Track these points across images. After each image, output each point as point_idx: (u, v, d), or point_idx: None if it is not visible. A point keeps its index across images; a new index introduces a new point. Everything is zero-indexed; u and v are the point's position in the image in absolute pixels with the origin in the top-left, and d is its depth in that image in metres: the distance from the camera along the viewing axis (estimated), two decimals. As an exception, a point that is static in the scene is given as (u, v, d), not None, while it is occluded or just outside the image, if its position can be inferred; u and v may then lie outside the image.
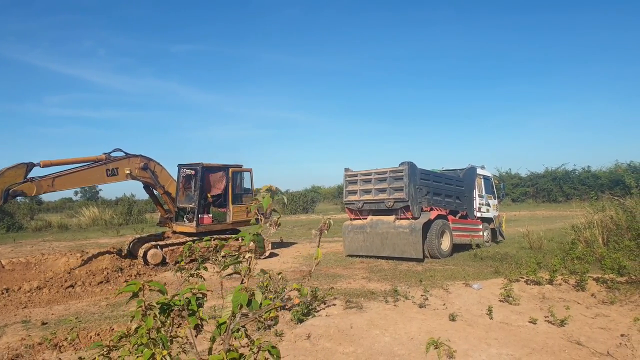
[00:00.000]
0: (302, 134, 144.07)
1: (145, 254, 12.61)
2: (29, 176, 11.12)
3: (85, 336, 6.31)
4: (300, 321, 6.76)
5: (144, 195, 16.20)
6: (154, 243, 13.03)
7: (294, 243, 17.69)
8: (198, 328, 1.78)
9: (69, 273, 11.42)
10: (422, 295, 7.97)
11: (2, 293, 9.68)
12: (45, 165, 11.51)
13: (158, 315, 1.70)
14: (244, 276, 1.81)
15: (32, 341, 6.21)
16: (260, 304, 1.61)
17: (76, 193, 64.96)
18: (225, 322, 1.68)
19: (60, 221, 31.97)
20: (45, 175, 11.41)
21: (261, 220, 1.88)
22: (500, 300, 7.89)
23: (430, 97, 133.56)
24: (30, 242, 21.83)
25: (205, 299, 1.84)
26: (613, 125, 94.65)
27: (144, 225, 27.85)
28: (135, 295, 1.72)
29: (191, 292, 1.75)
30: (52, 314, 8.15)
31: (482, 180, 15.92)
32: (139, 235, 15.19)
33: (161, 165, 13.85)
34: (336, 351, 5.67)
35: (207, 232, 13.76)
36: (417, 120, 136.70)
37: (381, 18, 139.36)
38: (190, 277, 2.36)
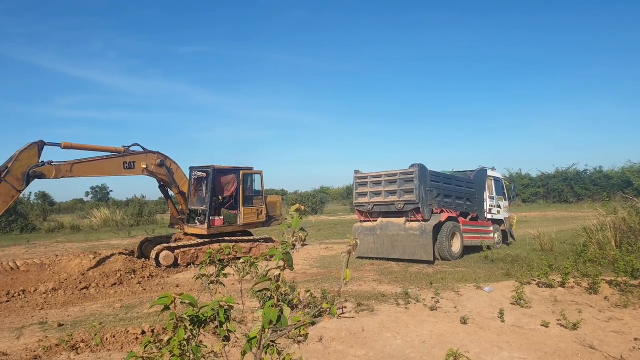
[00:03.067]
0: (308, 134, 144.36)
1: (157, 255, 12.75)
2: (47, 159, 11.21)
3: (101, 338, 6.40)
4: (312, 323, 6.81)
5: (154, 197, 16.40)
6: (165, 245, 13.17)
7: (303, 244, 17.77)
8: (226, 339, 1.84)
9: (83, 274, 11.58)
10: (432, 298, 7.98)
11: (19, 294, 9.86)
12: (66, 147, 11.66)
13: (188, 327, 1.76)
14: (273, 292, 1.86)
15: (49, 342, 6.32)
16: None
17: (87, 194, 65.68)
18: (255, 337, 1.74)
19: (72, 222, 32.36)
20: (65, 161, 11.54)
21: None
22: (511, 303, 7.88)
23: (438, 98, 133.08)
24: (44, 243, 22.13)
25: (231, 310, 1.89)
26: (624, 124, 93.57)
27: (154, 226, 28.12)
28: (166, 307, 1.78)
29: (219, 304, 1.80)
30: (68, 315, 8.28)
31: (493, 181, 15.86)
32: (150, 237, 15.36)
33: (177, 164, 14.02)
34: (348, 354, 5.71)
35: (218, 234, 13.88)
36: (425, 122, 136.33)
37: (387, 19, 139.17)
38: (210, 284, 2.41)
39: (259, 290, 1.89)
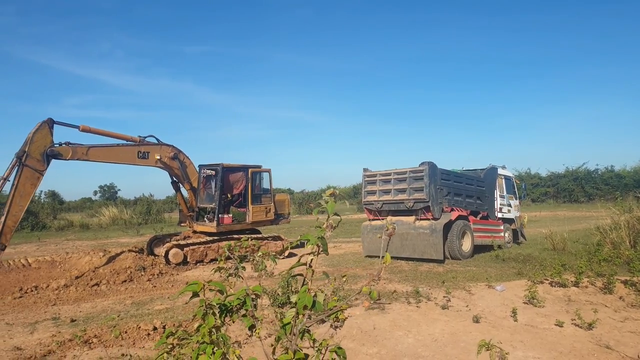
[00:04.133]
0: (314, 133, 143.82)
1: (167, 253, 12.79)
2: (66, 141, 11.31)
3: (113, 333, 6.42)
4: (322, 321, 6.78)
5: (162, 196, 16.44)
6: (175, 242, 13.21)
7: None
8: (253, 328, 1.81)
9: (94, 272, 11.66)
10: (444, 297, 7.92)
11: (31, 290, 9.94)
12: (84, 131, 11.76)
13: (217, 315, 1.74)
14: (307, 278, 1.83)
15: (63, 337, 6.36)
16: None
17: (95, 193, 66.03)
18: (289, 323, 1.71)
19: (81, 221, 32.63)
20: (82, 144, 11.63)
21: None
22: (524, 303, 7.80)
23: (445, 97, 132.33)
24: (54, 240, 22.32)
25: (258, 299, 1.87)
26: (636, 123, 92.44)
27: (162, 224, 28.23)
28: (195, 295, 1.76)
29: (246, 292, 1.78)
30: (80, 311, 8.32)
31: (504, 180, 15.73)
32: (159, 235, 15.41)
33: (189, 159, 14.11)
34: (360, 352, 5.68)
35: (227, 231, 13.89)
36: (432, 121, 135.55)
37: (392, 19, 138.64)
38: (229, 277, 2.39)
39: (293, 276, 1.87)
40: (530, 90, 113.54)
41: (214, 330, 1.69)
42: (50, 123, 11.03)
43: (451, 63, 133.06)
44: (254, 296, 1.81)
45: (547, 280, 8.90)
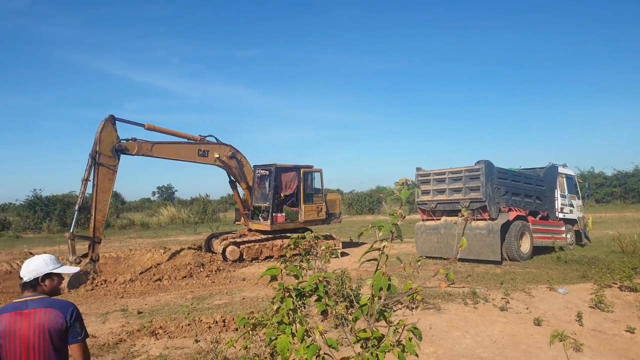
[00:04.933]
0: (363, 134, 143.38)
1: (224, 250, 13.24)
2: (132, 137, 11.94)
3: (177, 325, 6.76)
4: (376, 320, 6.78)
5: (217, 196, 16.94)
6: (232, 240, 13.64)
7: (363, 243, 17.68)
8: (325, 313, 1.89)
9: (156, 267, 12.27)
10: (502, 298, 7.70)
11: (101, 284, 10.62)
12: (149, 129, 12.41)
13: (294, 298, 1.83)
14: (382, 262, 1.90)
15: (131, 328, 6.77)
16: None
17: (154, 193, 69.17)
18: (365, 304, 1.78)
19: (142, 220, 34.31)
20: (148, 140, 12.25)
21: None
22: (590, 307, 7.44)
23: (499, 95, 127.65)
24: (118, 238, 23.64)
25: (330, 285, 1.95)
26: None
27: (218, 223, 29.15)
28: (274, 278, 1.86)
29: (318, 279, 1.86)
30: (145, 304, 8.81)
31: (565, 179, 15.02)
32: (217, 233, 15.97)
33: (246, 159, 14.55)
34: (417, 351, 5.64)
35: (281, 230, 14.19)
36: (485, 119, 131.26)
37: (439, 18, 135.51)
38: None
39: (368, 260, 1.93)
40: (594, 84, 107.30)
41: (290, 312, 1.78)
42: (112, 120, 11.62)
43: (506, 58, 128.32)
44: (325, 282, 1.88)
45: (616, 284, 8.43)
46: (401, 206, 1.89)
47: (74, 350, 2.54)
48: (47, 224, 29.13)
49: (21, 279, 2.56)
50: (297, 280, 1.87)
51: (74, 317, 2.51)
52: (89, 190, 11.33)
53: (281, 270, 1.83)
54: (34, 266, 2.54)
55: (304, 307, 1.89)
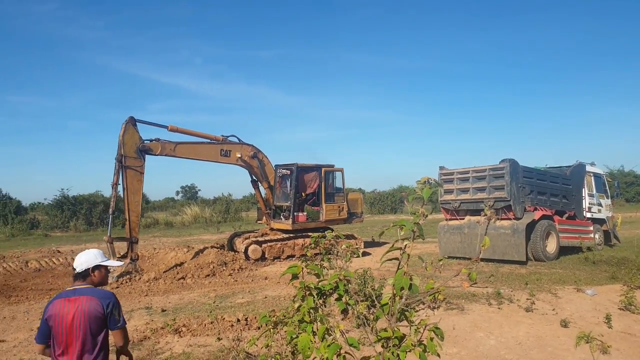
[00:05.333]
0: (385, 133, 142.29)
1: (246, 249, 13.35)
2: (156, 137, 12.16)
3: (200, 323, 6.85)
4: (397, 319, 6.73)
5: (239, 195, 17.08)
6: (254, 239, 13.75)
7: (385, 243, 17.59)
8: (346, 312, 1.90)
9: (180, 266, 12.46)
10: (528, 299, 7.54)
11: (126, 281, 10.85)
12: (172, 130, 12.62)
13: (315, 297, 1.84)
14: (403, 261, 1.89)
15: (156, 325, 6.89)
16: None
17: (177, 193, 70.11)
18: (387, 304, 1.78)
19: (165, 219, 34.87)
20: (171, 141, 12.44)
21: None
22: (619, 309, 7.24)
23: (524, 91, 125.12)
24: (142, 237, 23.95)
25: (350, 284, 1.95)
26: None
27: (240, 222, 29.42)
28: (295, 277, 1.88)
29: (339, 278, 1.87)
30: (169, 302, 8.95)
31: (593, 178, 14.63)
32: (239, 232, 16.12)
33: (268, 158, 14.69)
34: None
35: (302, 229, 14.22)
36: (510, 117, 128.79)
37: (462, 17, 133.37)
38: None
39: (389, 260, 1.93)
40: (625, 80, 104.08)
41: (311, 311, 1.79)
42: (132, 121, 11.81)
43: (531, 54, 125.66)
44: (346, 281, 1.88)
45: (647, 285, 8.17)
46: (423, 205, 1.88)
47: (115, 335, 2.86)
48: (74, 223, 29.94)
49: (74, 269, 2.86)
50: (318, 279, 1.88)
51: (111, 306, 2.78)
52: (119, 192, 11.63)
53: (302, 268, 1.84)
54: (86, 258, 2.87)
55: (325, 306, 1.90)
